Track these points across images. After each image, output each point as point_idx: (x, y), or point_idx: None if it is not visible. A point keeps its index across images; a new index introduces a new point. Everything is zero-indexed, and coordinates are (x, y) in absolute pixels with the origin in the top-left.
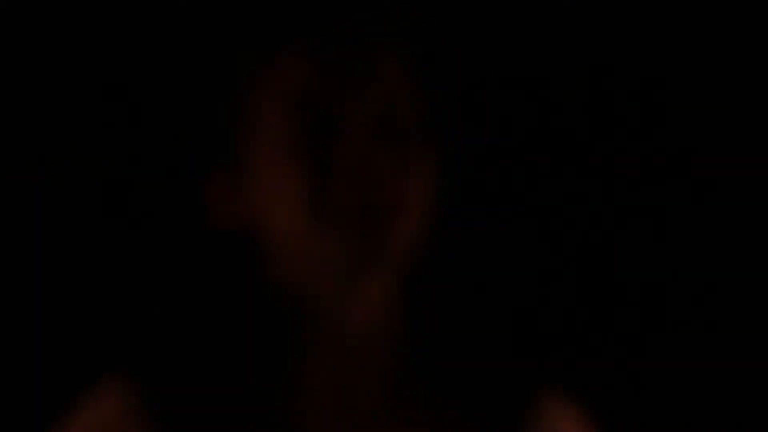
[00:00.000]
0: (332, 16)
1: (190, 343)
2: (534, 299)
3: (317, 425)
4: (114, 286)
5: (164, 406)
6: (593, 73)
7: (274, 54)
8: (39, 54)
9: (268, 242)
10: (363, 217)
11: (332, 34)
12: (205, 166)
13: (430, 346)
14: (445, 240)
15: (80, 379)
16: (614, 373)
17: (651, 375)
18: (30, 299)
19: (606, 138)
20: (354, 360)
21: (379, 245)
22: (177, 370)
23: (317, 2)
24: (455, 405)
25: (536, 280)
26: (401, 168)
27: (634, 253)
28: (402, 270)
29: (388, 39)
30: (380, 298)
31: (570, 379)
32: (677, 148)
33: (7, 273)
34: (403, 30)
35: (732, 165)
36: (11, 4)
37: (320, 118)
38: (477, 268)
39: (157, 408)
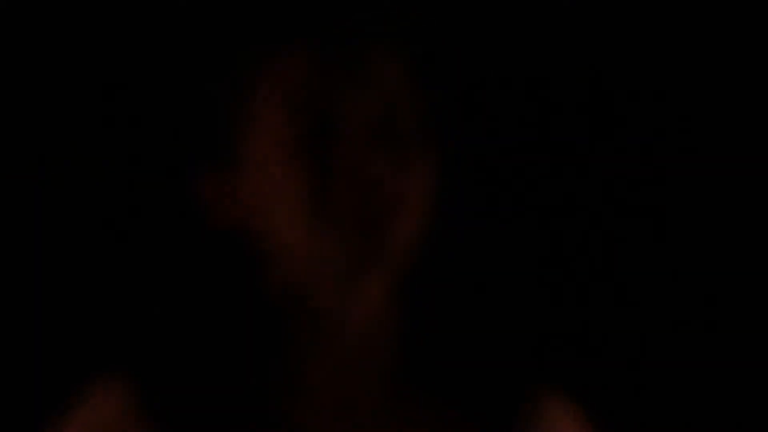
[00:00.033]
0: (332, 16)
1: (188, 343)
2: (533, 299)
3: (317, 425)
4: (113, 285)
5: (163, 406)
6: (593, 73)
7: (274, 54)
8: (39, 54)
9: (267, 242)
10: (362, 217)
11: (332, 34)
12: (204, 166)
13: (429, 345)
14: (445, 240)
15: (78, 378)
16: (613, 373)
17: (650, 375)
18: (29, 299)
19: (606, 138)
20: (353, 360)
21: (379, 245)
22: (176, 369)
23: (317, 2)
24: (454, 405)
25: (535, 279)
26: (401, 168)
27: (633, 253)
28: (401, 270)
29: (388, 39)
30: (379, 298)
31: (569, 378)
32: (677, 148)
33: (7, 273)
34: (403, 30)
35: (732, 165)
36: (11, 4)
37: (320, 119)
38: (476, 267)
39: (156, 407)
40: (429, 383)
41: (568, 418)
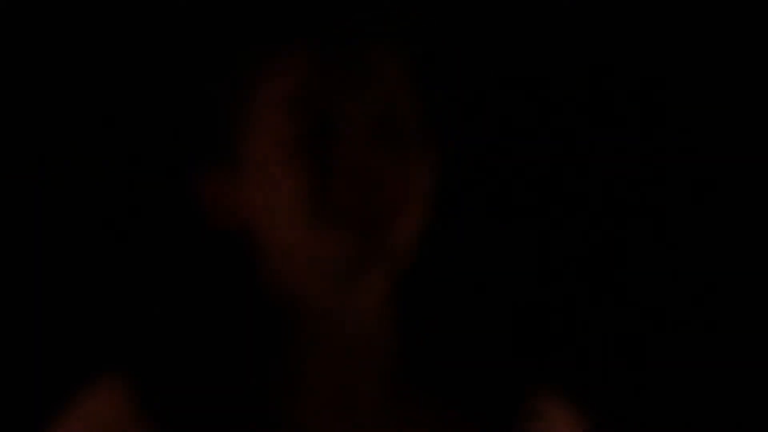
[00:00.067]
0: (332, 16)
1: (187, 343)
2: (532, 299)
3: (316, 425)
4: (112, 285)
5: (163, 406)
6: (593, 73)
7: (274, 54)
8: (39, 54)
9: (266, 242)
10: (362, 217)
11: (332, 34)
12: (204, 166)
13: (428, 345)
14: (444, 239)
15: (78, 378)
16: (611, 373)
17: (648, 375)
18: (28, 299)
19: (605, 138)
20: (352, 360)
21: (378, 245)
22: (175, 369)
23: (317, 2)
24: (453, 405)
25: (534, 279)
26: (401, 168)
27: (631, 253)
28: (401, 269)
29: (388, 39)
30: (379, 297)
31: (567, 378)
32: (677, 148)
33: (7, 273)
34: (403, 30)
35: (732, 165)
36: (11, 4)
37: (320, 118)
38: (475, 267)
39: (156, 407)
40: (428, 383)
41: (565, 418)
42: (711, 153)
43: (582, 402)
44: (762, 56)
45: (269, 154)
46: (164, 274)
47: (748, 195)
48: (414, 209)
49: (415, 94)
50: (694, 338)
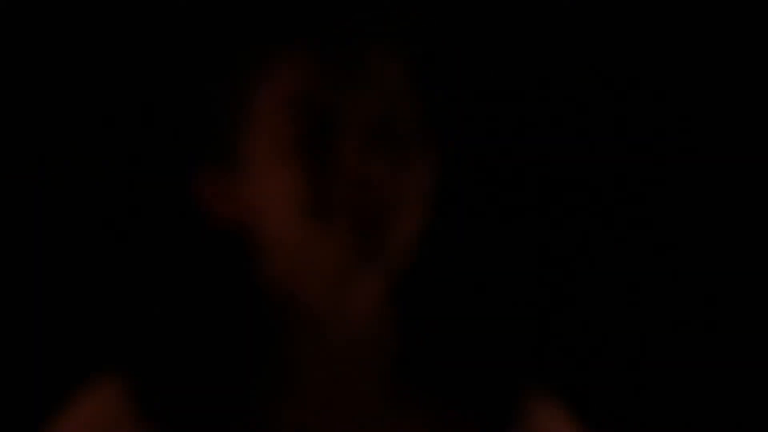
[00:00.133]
0: (332, 16)
1: (186, 343)
2: (530, 300)
3: (314, 425)
4: (110, 285)
5: (160, 405)
6: (593, 72)
7: (274, 53)
8: (39, 54)
9: (264, 242)
10: (360, 217)
11: (332, 34)
12: (203, 165)
13: (426, 345)
14: (443, 240)
15: (76, 378)
16: (609, 373)
17: (643, 376)
18: (26, 298)
19: (605, 138)
20: (350, 360)
21: (377, 245)
22: (173, 369)
23: (317, 2)
24: (451, 405)
25: (533, 280)
26: (399, 168)
27: (630, 253)
28: (399, 269)
29: (388, 39)
30: (377, 297)
31: (565, 379)
32: (677, 149)
33: (5, 273)
34: (403, 30)
35: (732, 165)
36: (11, 4)
37: (319, 118)
38: (473, 268)
39: (153, 407)
40: (426, 383)
41: (558, 418)
42: (711, 153)
43: (580, 402)
44: (762, 56)
45: (268, 153)
46: (163, 274)
47: (748, 195)
48: (412, 210)
49: (414, 94)
50: (693, 339)
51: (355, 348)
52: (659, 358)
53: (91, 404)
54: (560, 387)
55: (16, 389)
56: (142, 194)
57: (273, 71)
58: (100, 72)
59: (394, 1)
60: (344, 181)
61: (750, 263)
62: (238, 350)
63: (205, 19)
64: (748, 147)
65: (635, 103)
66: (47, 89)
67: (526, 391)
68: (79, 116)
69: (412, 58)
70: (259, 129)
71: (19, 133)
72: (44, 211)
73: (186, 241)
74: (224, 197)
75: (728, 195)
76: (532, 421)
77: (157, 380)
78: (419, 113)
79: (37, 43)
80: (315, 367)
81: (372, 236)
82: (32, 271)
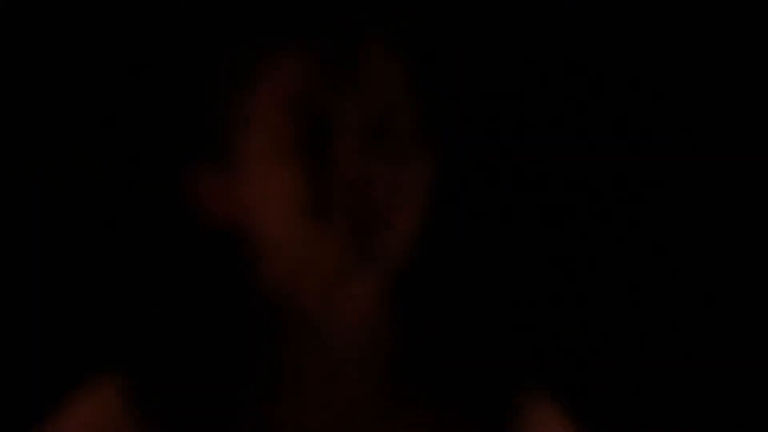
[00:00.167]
0: (332, 16)
1: (183, 343)
2: (528, 300)
3: (312, 425)
4: (107, 285)
5: (157, 406)
6: (593, 73)
7: (273, 53)
8: (39, 54)
9: (261, 242)
10: (358, 218)
11: (331, 34)
12: (200, 165)
13: (424, 346)
14: (440, 240)
15: (75, 379)
16: (601, 375)
17: (642, 376)
18: (24, 299)
19: (604, 138)
20: (348, 360)
21: (375, 246)
22: (170, 369)
23: (317, 2)
24: (445, 405)
25: (531, 281)
26: (397, 169)
27: (627, 254)
28: (397, 270)
29: (388, 39)
30: (374, 298)
31: (563, 379)
32: (676, 149)
33: (3, 273)
34: (403, 30)
35: (731, 165)
36: (11, 4)
37: (317, 119)
38: (469, 268)
39: (150, 407)
40: (424, 383)
41: (555, 419)
42: (711, 153)
43: (578, 403)
44: (762, 56)
45: (266, 153)
46: (160, 275)
47: (748, 195)
48: (411, 210)
49: (414, 94)
50: (692, 339)
51: (353, 348)
52: (658, 358)
53: (89, 404)
54: (558, 387)
55: (15, 389)
56: (140, 194)
57: (272, 71)
58: (97, 70)
59: (393, 1)
60: (342, 182)
61: (750, 263)
62: (236, 350)
63: (204, 18)
64: (748, 147)
65: (635, 103)
66: (46, 89)
67: (523, 391)
68: (76, 115)
69: (411, 58)
70: (258, 128)
71: (19, 133)
72: (43, 212)
73: (184, 241)
74: (222, 197)
75: (728, 195)
76: (529, 421)
77: (155, 380)
78: (418, 113)
79: (36, 42)
80: (313, 368)
81: (370, 236)
82: (31, 271)
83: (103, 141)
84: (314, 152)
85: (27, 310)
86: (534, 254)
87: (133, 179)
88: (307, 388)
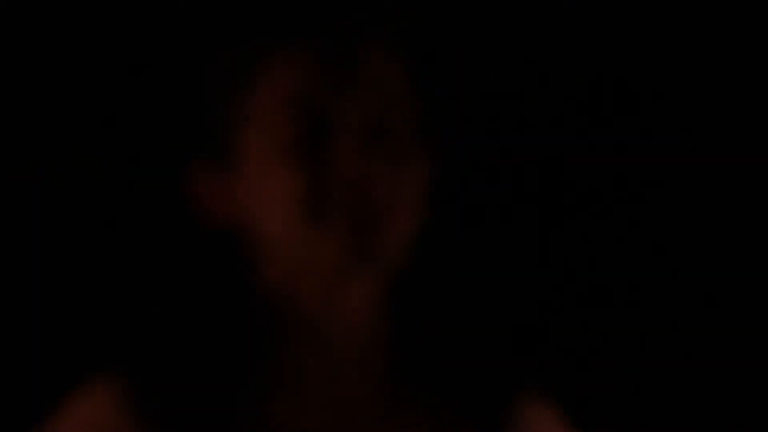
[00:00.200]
0: (332, 16)
1: (182, 343)
2: (525, 301)
3: (310, 426)
4: (106, 285)
5: (157, 406)
6: (592, 73)
7: (273, 53)
8: (39, 53)
9: (260, 242)
10: (357, 218)
11: (331, 33)
12: (199, 164)
13: (422, 346)
14: (439, 240)
15: (72, 378)
16: (599, 376)
17: (637, 377)
18: (23, 300)
19: (602, 139)
20: (346, 360)
21: (373, 246)
22: (170, 369)
23: (317, 2)
24: (443, 406)
25: (528, 281)
26: (395, 170)
27: (626, 254)
28: (394, 270)
29: (387, 39)
30: (373, 298)
31: (555, 380)
32: (675, 149)
33: (1, 274)
34: (403, 30)
35: (731, 165)
36: (11, 4)
37: (317, 119)
38: (468, 269)
39: (150, 407)
40: (421, 383)
41: (549, 419)
42: (711, 153)
43: (575, 403)
44: (762, 56)
45: (266, 153)
46: (159, 275)
47: (748, 195)
48: (409, 210)
49: (413, 94)
50: (690, 339)
51: (352, 348)
52: (657, 358)
53: (88, 404)
54: (556, 387)
55: (14, 389)
56: (139, 194)
57: (272, 70)
58: (96, 70)
59: (393, 1)
60: (342, 181)
61: (750, 263)
62: (235, 351)
63: (204, 18)
64: (748, 147)
65: (635, 103)
66: (47, 89)
67: (521, 391)
68: (75, 115)
69: (410, 58)
70: (257, 128)
71: (19, 133)
72: (43, 212)
73: (182, 241)
74: (221, 196)
75: (728, 195)
76: (526, 421)
77: (155, 380)
78: (417, 113)
79: (36, 42)
80: (311, 368)
81: (369, 236)
82: (31, 271)
83: (103, 141)
84: (314, 152)
85: (27, 310)
86: (532, 254)
87: (132, 179)
88: (306, 387)
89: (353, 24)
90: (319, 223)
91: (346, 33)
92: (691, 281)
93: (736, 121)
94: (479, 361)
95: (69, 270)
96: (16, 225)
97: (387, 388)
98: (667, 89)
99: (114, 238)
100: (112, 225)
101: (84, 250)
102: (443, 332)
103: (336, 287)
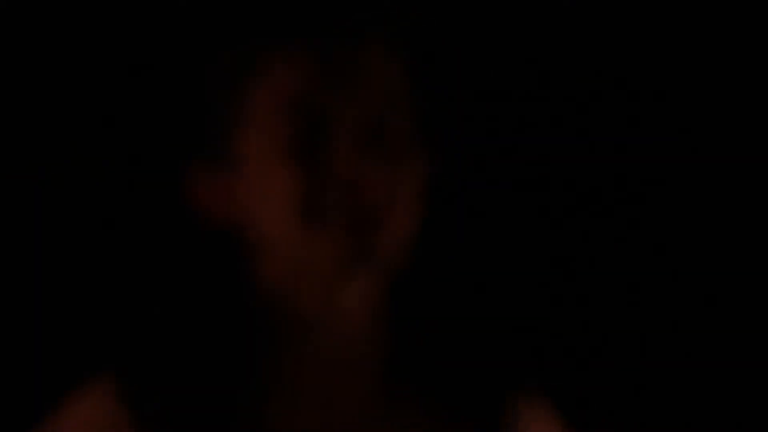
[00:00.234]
0: (330, 16)
1: (178, 344)
2: (522, 301)
3: (307, 426)
4: (103, 286)
5: (153, 408)
6: (591, 74)
7: (272, 52)
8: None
9: (258, 242)
10: (354, 218)
11: (330, 34)
12: (198, 164)
13: (417, 346)
14: (436, 241)
15: (71, 378)
16: (598, 376)
17: (636, 377)
18: (21, 301)
19: (600, 140)
20: (343, 360)
21: (370, 246)
22: (166, 371)
23: (316, 2)
24: (440, 406)
25: (525, 282)
26: (393, 170)
27: (622, 255)
28: (391, 271)
29: (386, 40)
30: (370, 298)
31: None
32: (674, 149)
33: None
34: (402, 30)
35: (731, 165)
36: (11, 4)
37: (315, 119)
38: (465, 269)
39: (146, 409)
40: (419, 383)
41: (545, 419)
42: (711, 153)
43: (573, 403)
44: (762, 56)
45: (264, 153)
46: (158, 275)
47: (749, 195)
48: (407, 210)
49: (412, 94)
50: (689, 340)
51: (348, 348)
52: (656, 359)
53: (87, 405)
54: (554, 388)
55: (10, 391)
56: (138, 194)
57: (270, 70)
58: (95, 70)
59: (392, 1)
60: (340, 181)
61: (750, 263)
62: (232, 351)
63: (203, 18)
64: (748, 147)
65: (634, 104)
66: (47, 89)
67: (517, 392)
68: (73, 115)
69: (409, 58)
70: (255, 128)
71: (19, 133)
72: (42, 212)
73: (180, 241)
74: (220, 196)
75: (728, 195)
76: (522, 422)
77: (154, 381)
78: (416, 113)
79: (36, 42)
80: (310, 367)
81: (367, 236)
82: (30, 271)
83: (103, 141)
84: (313, 152)
85: (26, 310)
86: (531, 254)
87: (131, 179)
88: (304, 387)
89: (352, 24)
90: (317, 223)
91: (345, 33)
92: (691, 281)
93: (736, 121)
94: (477, 361)
95: (68, 270)
96: (16, 225)
97: (385, 388)
98: (667, 89)
99: (114, 239)
100: (111, 225)
101: (83, 250)
102: (441, 332)
103: (335, 287)
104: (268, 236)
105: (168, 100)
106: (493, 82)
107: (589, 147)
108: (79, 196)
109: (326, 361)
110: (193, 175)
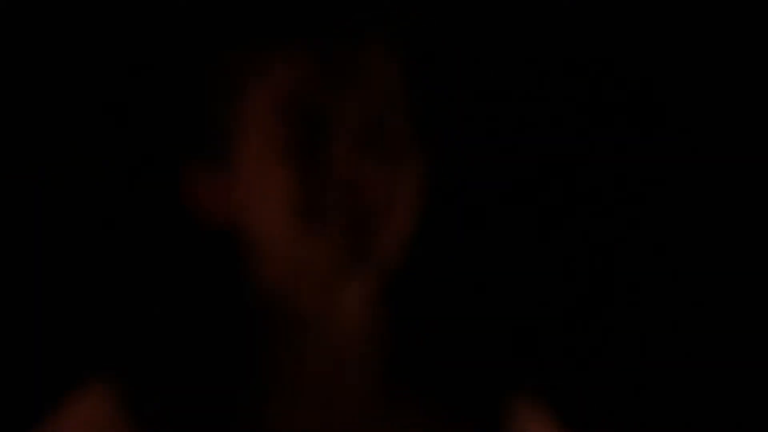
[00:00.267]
0: (328, 16)
1: (176, 345)
2: (520, 301)
3: (305, 426)
4: (101, 287)
5: (150, 408)
6: (590, 74)
7: (270, 53)
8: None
9: (255, 243)
10: (352, 218)
11: (328, 34)
12: (195, 165)
13: (417, 346)
14: (434, 241)
15: (70, 378)
16: (596, 376)
17: (635, 378)
18: (23, 299)
19: (598, 141)
20: (341, 361)
21: (368, 247)
22: (166, 369)
23: (316, 2)
24: (438, 406)
25: (523, 282)
26: (391, 171)
27: (621, 255)
28: (389, 271)
29: (386, 40)
30: (367, 299)
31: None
32: (673, 149)
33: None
34: (402, 31)
35: (730, 165)
36: (11, 4)
37: (313, 119)
38: (463, 269)
39: (144, 410)
40: (417, 384)
41: (541, 420)
42: (711, 153)
43: (571, 404)
44: (762, 56)
45: (261, 153)
46: (157, 275)
47: (749, 195)
48: (404, 211)
49: (410, 95)
50: (689, 340)
51: (347, 348)
52: (655, 359)
53: (86, 405)
54: (552, 388)
55: (9, 391)
56: (137, 194)
57: (268, 71)
58: (94, 70)
59: (392, 2)
60: (336, 182)
61: (750, 263)
62: (230, 352)
63: (202, 18)
64: (748, 147)
65: (633, 104)
66: (47, 89)
67: (514, 392)
68: (75, 114)
69: (408, 58)
70: (253, 129)
71: (19, 133)
72: (41, 212)
73: (179, 241)
74: (219, 196)
75: (728, 195)
76: (518, 423)
77: (153, 381)
78: (414, 114)
79: (36, 42)
80: (309, 367)
81: (366, 237)
82: (30, 272)
83: (102, 141)
84: (311, 152)
85: (26, 311)
86: (529, 255)
87: (130, 179)
88: (303, 387)
89: (352, 24)
90: (316, 223)
91: (345, 33)
92: (690, 281)
93: (736, 121)
94: (476, 361)
95: (68, 270)
96: (16, 225)
97: (384, 388)
98: (667, 89)
99: (113, 239)
100: (111, 225)
101: (83, 250)
102: (440, 332)
103: (334, 287)
104: (267, 236)
105: (167, 100)
106: (492, 83)
107: (588, 147)
108: (79, 197)
109: (326, 361)
110: (192, 175)
